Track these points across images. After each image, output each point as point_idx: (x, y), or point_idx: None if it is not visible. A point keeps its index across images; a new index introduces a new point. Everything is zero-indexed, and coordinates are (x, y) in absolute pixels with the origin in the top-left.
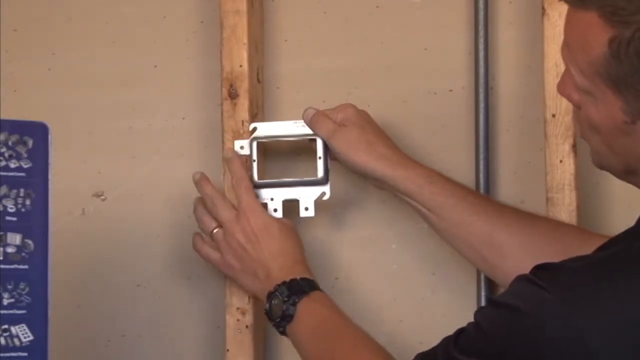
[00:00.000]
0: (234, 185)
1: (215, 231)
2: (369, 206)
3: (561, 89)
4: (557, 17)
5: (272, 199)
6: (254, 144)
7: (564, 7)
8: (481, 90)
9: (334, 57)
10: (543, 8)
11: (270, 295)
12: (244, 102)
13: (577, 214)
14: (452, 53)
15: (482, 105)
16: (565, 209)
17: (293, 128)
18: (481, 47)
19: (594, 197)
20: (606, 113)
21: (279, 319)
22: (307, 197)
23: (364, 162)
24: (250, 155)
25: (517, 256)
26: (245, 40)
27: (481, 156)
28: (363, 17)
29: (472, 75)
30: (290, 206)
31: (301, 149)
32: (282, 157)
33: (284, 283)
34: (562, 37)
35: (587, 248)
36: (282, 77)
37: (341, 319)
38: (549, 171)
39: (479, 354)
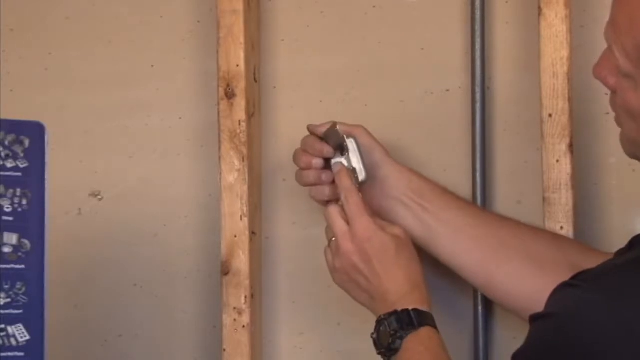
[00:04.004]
0: (343, 200)
1: (332, 240)
2: None
3: (597, 71)
4: (553, 16)
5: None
6: (353, 142)
7: (561, 7)
8: (478, 90)
9: (330, 56)
10: (539, 8)
11: (380, 322)
12: (240, 102)
13: (574, 214)
14: (449, 53)
15: (478, 105)
16: (562, 209)
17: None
18: (478, 46)
19: (591, 197)
20: None
21: (384, 350)
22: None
23: (385, 153)
24: (356, 152)
25: (521, 260)
26: (242, 40)
27: (478, 156)
28: (360, 17)
29: (469, 75)
30: None
31: None
32: None
33: (394, 312)
34: (558, 37)
35: (587, 261)
36: (279, 76)
37: None
38: (546, 171)
39: None
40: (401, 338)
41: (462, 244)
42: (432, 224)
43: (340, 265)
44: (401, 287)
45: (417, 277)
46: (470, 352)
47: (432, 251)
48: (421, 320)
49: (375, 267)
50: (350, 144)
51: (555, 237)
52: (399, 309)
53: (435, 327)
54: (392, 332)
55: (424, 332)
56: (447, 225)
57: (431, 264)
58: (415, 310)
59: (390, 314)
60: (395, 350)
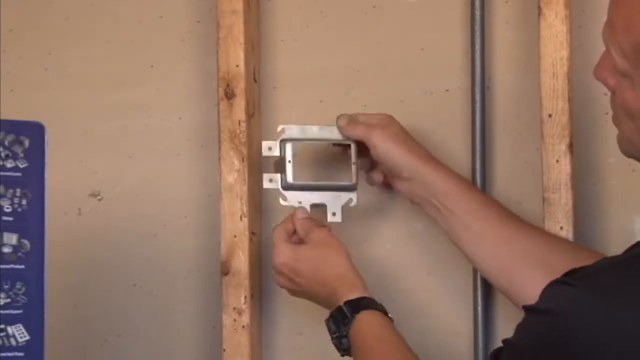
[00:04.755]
0: None
1: None
2: (364, 206)
3: (598, 72)
4: (553, 17)
5: (300, 202)
6: (289, 145)
7: (560, 7)
8: (477, 90)
9: (330, 56)
10: (539, 8)
11: (328, 330)
12: (240, 102)
13: (574, 214)
14: (449, 53)
15: (478, 105)
16: (561, 209)
17: (323, 132)
18: (477, 47)
19: (591, 197)
20: None
21: (342, 352)
22: (334, 203)
23: (404, 154)
24: (284, 156)
25: (539, 269)
26: (242, 40)
27: (477, 156)
28: (359, 17)
29: (469, 75)
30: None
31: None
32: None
33: (330, 315)
34: (558, 38)
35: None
36: (279, 77)
37: (388, 345)
38: (546, 171)
39: None
40: (345, 336)
41: (484, 248)
42: (456, 227)
43: (291, 294)
44: (331, 287)
45: (339, 269)
46: (470, 352)
47: (460, 249)
48: (354, 309)
49: (302, 284)
50: (288, 148)
51: (574, 246)
52: (333, 309)
53: (375, 307)
54: (334, 335)
55: (362, 319)
56: (470, 230)
57: (431, 263)
58: (346, 302)
59: (327, 319)
60: (348, 349)
